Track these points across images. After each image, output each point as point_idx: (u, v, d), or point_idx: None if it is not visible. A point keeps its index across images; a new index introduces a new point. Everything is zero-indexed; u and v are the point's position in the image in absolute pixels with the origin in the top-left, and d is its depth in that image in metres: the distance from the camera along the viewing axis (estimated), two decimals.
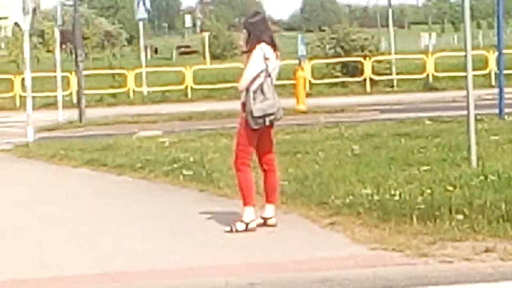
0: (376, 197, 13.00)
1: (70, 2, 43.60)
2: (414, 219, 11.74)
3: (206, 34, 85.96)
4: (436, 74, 45.63)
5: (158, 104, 42.97)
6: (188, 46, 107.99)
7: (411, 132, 21.94)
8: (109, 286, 9.90)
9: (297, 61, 40.46)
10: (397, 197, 12.83)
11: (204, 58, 74.31)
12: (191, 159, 18.95)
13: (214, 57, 77.76)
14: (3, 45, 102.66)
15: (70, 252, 11.70)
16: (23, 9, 28.49)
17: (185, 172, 17.40)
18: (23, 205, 15.86)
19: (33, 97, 28.52)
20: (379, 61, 47.60)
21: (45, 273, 10.51)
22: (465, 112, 16.19)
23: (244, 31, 12.58)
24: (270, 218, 12.39)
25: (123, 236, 12.59)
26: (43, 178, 19.87)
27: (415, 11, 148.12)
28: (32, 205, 15.85)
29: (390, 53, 48.99)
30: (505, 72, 27.49)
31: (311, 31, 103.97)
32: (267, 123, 12.25)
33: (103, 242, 12.22)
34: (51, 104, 38.35)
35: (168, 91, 47.22)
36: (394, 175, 14.89)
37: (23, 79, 34.32)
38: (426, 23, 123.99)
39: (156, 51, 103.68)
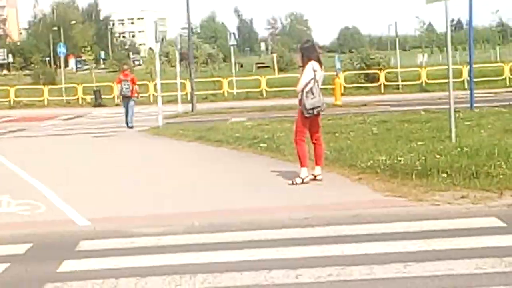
0: (388, 162, 12.92)
1: (185, 34, 43.74)
2: (414, 176, 11.68)
3: (274, 55, 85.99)
4: (427, 81, 45.21)
5: (243, 101, 43.01)
6: (263, 63, 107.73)
7: (411, 119, 21.75)
8: (208, 219, 9.96)
9: (335, 73, 40.45)
10: (402, 162, 12.74)
11: (274, 70, 74.17)
12: (266, 136, 18.93)
13: (280, 70, 77.39)
14: (141, 62, 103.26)
15: (186, 193, 11.85)
16: (155, 38, 28.84)
17: (261, 145, 17.42)
18: (156, 165, 16.05)
19: (162, 96, 28.72)
20: (389, 72, 47.22)
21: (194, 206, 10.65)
22: (447, 106, 16.09)
23: (300, 52, 12.67)
24: (318, 175, 12.38)
25: (223, 185, 12.66)
26: (168, 148, 20.00)
27: (414, 39, 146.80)
28: (161, 165, 16.04)
29: (397, 67, 48.68)
30: (474, 79, 27.48)
31: (344, 52, 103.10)
32: (315, 113, 12.29)
33: (209, 190, 12.30)
34: (173, 101, 38.58)
35: (250, 92, 47.27)
36: (400, 147, 14.78)
37: (155, 84, 34.53)
38: (420, 47, 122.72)
39: (241, 66, 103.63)
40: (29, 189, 13.22)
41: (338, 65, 44.45)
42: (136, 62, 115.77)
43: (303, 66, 12.39)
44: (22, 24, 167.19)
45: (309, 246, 8.11)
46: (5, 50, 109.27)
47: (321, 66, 12.48)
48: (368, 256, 7.57)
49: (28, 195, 12.40)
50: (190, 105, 36.18)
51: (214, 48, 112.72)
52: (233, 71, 51.22)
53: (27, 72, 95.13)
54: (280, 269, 7.18)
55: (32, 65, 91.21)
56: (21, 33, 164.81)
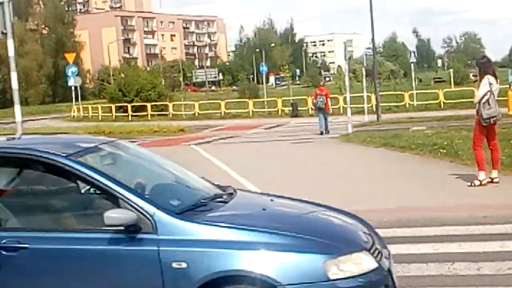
0: None
1: (370, 53, 43.61)
2: None
3: (451, 70, 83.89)
4: None
5: (423, 112, 42.15)
6: (439, 77, 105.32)
7: None
8: (396, 215, 9.89)
9: (508, 85, 38.88)
10: None
11: (450, 84, 72.37)
12: (445, 143, 18.51)
13: (456, 84, 75.32)
14: (331, 78, 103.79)
15: (376, 192, 11.82)
16: (345, 57, 28.93)
17: (441, 150, 17.06)
18: (348, 167, 16.10)
19: (350, 107, 28.76)
20: None
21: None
22: None
23: (477, 67, 12.39)
24: (495, 178, 12.05)
25: (408, 186, 12.55)
26: (357, 153, 19.94)
27: None
28: (352, 167, 16.08)
29: None
30: None
31: None
32: (492, 122, 11.98)
33: (396, 189, 12.21)
34: (360, 112, 38.44)
35: (428, 103, 45.99)
36: None
37: (344, 97, 34.64)
38: None
39: (420, 80, 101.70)
40: (236, 186, 13.61)
41: (510, 79, 42.56)
42: (327, 79, 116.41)
43: (480, 80, 12.11)
44: (230, 47, 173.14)
45: (489, 241, 7.90)
46: (216, 69, 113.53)
47: (496, 79, 12.15)
48: None
49: None
50: (375, 115, 36.04)
51: (395, 65, 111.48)
52: (413, 85, 50.41)
53: (234, 87, 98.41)
54: (462, 262, 7.05)
55: (239, 81, 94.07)
56: (229, 55, 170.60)
